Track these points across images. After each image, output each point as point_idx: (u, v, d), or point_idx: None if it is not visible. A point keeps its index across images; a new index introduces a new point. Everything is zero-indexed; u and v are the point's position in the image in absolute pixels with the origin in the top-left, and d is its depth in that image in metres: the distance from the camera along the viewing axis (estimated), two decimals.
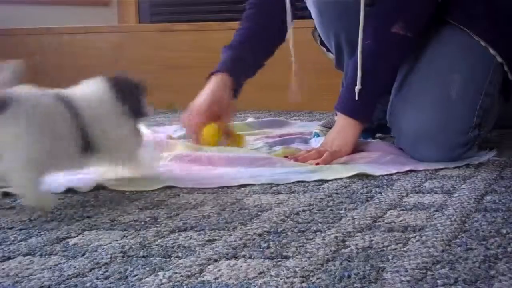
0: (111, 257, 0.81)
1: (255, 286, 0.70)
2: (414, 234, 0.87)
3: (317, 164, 1.33)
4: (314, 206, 1.04)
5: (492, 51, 1.39)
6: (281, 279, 0.72)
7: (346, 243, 0.84)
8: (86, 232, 0.92)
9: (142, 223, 0.96)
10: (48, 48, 2.98)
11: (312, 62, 2.50)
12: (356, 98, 1.37)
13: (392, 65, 1.41)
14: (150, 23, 3.43)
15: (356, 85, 1.36)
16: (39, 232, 0.93)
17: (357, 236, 0.87)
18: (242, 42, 1.62)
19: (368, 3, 1.36)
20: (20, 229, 0.95)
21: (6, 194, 1.15)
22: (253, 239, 0.87)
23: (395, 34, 1.37)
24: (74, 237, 0.90)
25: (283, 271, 0.74)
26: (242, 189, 1.18)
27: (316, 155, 1.36)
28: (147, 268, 0.76)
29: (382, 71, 1.40)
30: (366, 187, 1.16)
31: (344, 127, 1.40)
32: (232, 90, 1.57)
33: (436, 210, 0.99)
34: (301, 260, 0.78)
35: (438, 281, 0.70)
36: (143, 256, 0.81)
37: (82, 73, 3.17)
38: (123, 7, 3.58)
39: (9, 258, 0.82)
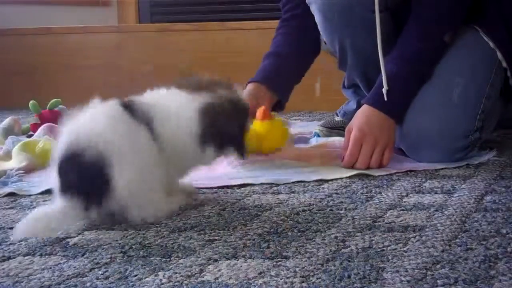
0: (111, 257, 0.81)
1: (255, 286, 0.70)
2: (414, 234, 0.87)
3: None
4: (314, 206, 1.04)
5: (499, 55, 1.38)
6: (281, 279, 0.72)
7: (346, 243, 0.84)
8: (86, 232, 0.92)
9: (142, 223, 0.96)
10: (48, 48, 2.98)
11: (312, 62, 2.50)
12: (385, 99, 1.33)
13: (432, 71, 1.38)
14: (150, 23, 3.43)
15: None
16: None
17: (357, 236, 0.87)
18: (281, 50, 1.57)
19: (382, 9, 1.35)
20: None
21: (7, 194, 1.15)
22: (253, 239, 0.87)
23: (445, 43, 1.37)
24: (74, 237, 0.90)
25: (283, 271, 0.74)
26: (242, 189, 1.17)
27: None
28: (147, 268, 0.76)
29: (426, 76, 1.37)
30: (366, 187, 1.16)
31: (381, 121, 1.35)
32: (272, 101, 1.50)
33: (436, 210, 0.99)
34: (301, 260, 0.78)
35: (438, 281, 0.70)
36: (143, 256, 0.81)
37: (82, 73, 3.15)
38: (123, 7, 3.58)
39: (9, 258, 0.82)
